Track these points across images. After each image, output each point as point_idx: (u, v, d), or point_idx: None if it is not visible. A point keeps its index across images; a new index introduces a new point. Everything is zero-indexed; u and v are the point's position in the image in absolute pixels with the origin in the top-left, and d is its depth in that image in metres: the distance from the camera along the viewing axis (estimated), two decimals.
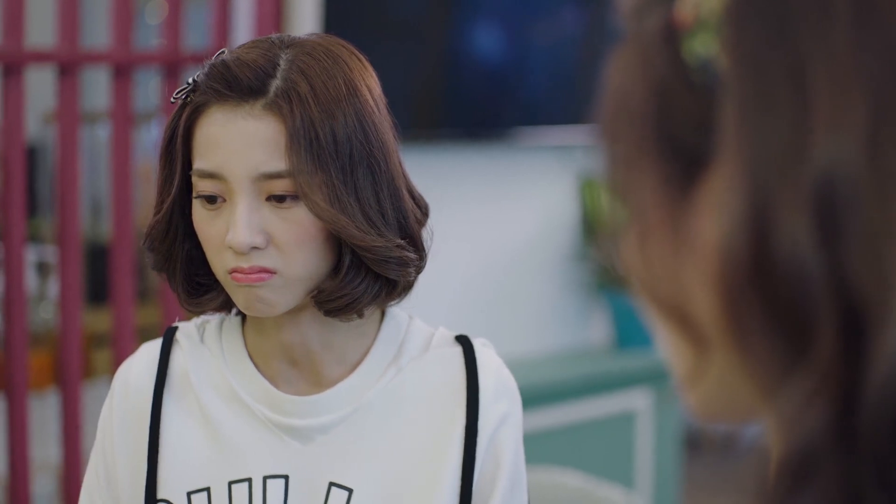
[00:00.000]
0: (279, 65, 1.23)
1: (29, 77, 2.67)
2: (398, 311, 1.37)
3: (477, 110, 3.57)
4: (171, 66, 2.85)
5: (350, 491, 1.29)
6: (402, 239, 1.27)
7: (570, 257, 3.82)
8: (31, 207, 4.30)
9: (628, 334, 3.82)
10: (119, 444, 1.34)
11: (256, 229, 1.22)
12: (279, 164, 1.21)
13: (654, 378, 3.74)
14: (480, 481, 1.31)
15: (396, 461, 1.31)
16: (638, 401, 3.73)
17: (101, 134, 5.21)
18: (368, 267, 1.25)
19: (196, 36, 3.39)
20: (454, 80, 3.53)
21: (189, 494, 1.31)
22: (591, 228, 3.77)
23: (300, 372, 1.33)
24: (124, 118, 2.80)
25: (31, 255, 4.09)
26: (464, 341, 1.36)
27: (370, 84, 1.28)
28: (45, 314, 4.34)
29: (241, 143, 1.21)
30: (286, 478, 1.31)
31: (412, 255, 1.27)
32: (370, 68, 1.30)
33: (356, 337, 1.33)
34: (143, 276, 3.81)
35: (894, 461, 0.50)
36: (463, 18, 3.50)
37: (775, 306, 0.51)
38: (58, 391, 2.82)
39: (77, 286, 2.75)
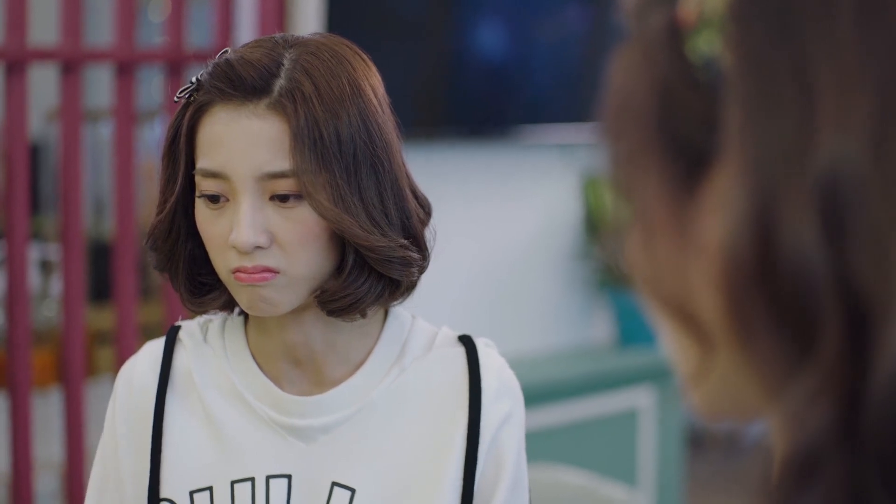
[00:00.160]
0: (283, 64, 1.23)
1: (32, 75, 2.67)
2: (401, 311, 1.37)
3: (480, 108, 3.57)
4: (174, 64, 2.85)
5: (353, 491, 1.29)
6: (405, 239, 1.27)
7: (574, 255, 3.82)
8: (34, 205, 4.30)
9: (631, 332, 3.82)
10: (123, 444, 1.34)
11: (260, 229, 1.21)
12: (283, 163, 1.21)
13: (657, 376, 3.73)
14: (482, 482, 1.31)
15: (399, 461, 1.31)
16: (641, 399, 3.73)
17: (103, 132, 5.21)
18: (372, 267, 1.25)
19: (199, 34, 3.38)
20: (457, 78, 3.53)
21: (192, 494, 1.31)
22: (595, 226, 3.77)
23: (303, 372, 1.33)
24: (127, 116, 2.80)
25: (34, 253, 4.10)
26: (466, 341, 1.36)
27: (374, 84, 1.28)
28: (48, 312, 4.35)
29: (244, 142, 1.21)
30: (289, 477, 1.30)
31: (415, 255, 1.27)
32: (374, 68, 1.30)
33: (359, 337, 1.33)
34: (146, 274, 3.81)
35: None
36: (466, 16, 3.50)
37: (780, 305, 0.51)
38: (61, 389, 2.82)
39: (80, 284, 2.75)
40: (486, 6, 3.55)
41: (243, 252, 1.21)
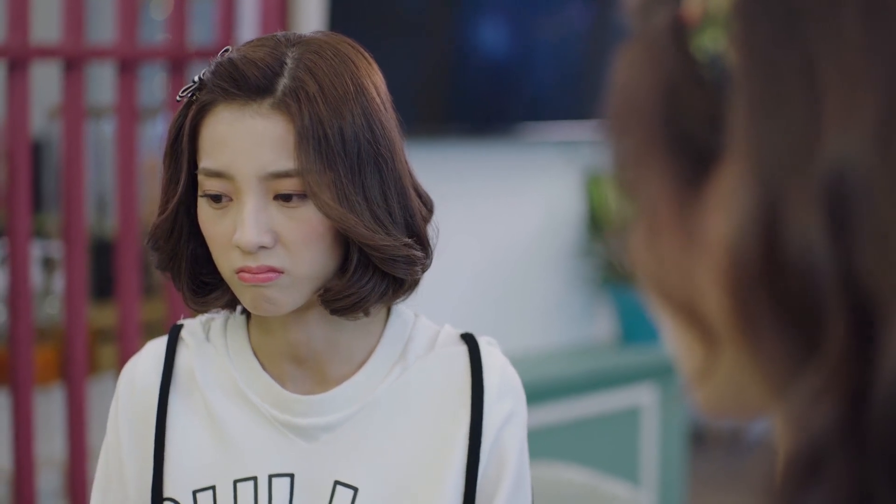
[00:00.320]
0: (286, 63, 1.22)
1: (34, 72, 2.67)
2: (404, 309, 1.37)
3: (482, 106, 3.57)
4: (177, 62, 2.85)
5: (355, 490, 1.29)
6: (409, 237, 1.26)
7: (576, 253, 3.82)
8: (37, 203, 4.30)
9: (634, 330, 3.82)
10: (126, 444, 1.34)
11: (264, 228, 1.21)
12: (287, 163, 1.21)
13: (660, 373, 3.73)
14: (484, 480, 1.31)
15: (401, 460, 1.31)
16: (643, 396, 3.73)
17: (106, 129, 5.21)
18: (376, 265, 1.25)
19: (201, 31, 3.38)
20: (459, 75, 3.53)
21: (195, 493, 1.31)
22: (597, 224, 3.76)
23: (306, 371, 1.33)
24: (130, 113, 2.80)
25: (36, 251, 4.10)
26: (469, 340, 1.36)
27: (376, 82, 1.28)
28: (50, 309, 4.35)
29: (248, 142, 1.21)
30: (291, 476, 1.30)
31: (419, 254, 1.27)
32: (375, 66, 1.30)
33: (362, 335, 1.33)
34: (149, 272, 3.81)
35: None
36: (468, 14, 3.50)
37: (785, 303, 0.51)
38: (63, 386, 2.82)
39: (82, 281, 2.75)
40: (488, 4, 3.55)
41: (247, 252, 1.21)
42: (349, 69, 1.25)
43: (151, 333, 1.83)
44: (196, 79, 1.25)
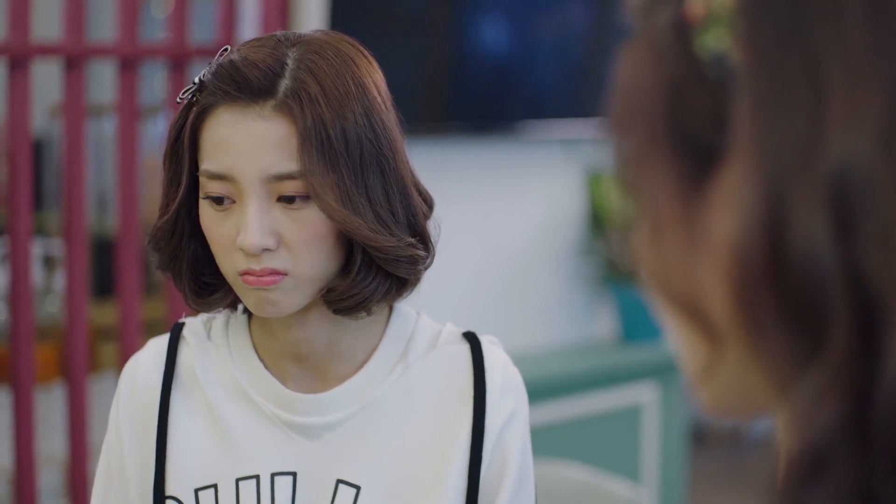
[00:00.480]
0: (287, 64, 1.22)
1: (35, 70, 2.67)
2: (406, 308, 1.37)
3: (483, 104, 3.56)
4: (178, 60, 2.85)
5: (358, 488, 1.29)
6: (411, 236, 1.26)
7: (577, 251, 3.82)
8: (37, 201, 4.31)
9: (634, 328, 3.82)
10: (127, 442, 1.34)
11: (268, 231, 1.21)
12: (290, 165, 1.20)
13: (661, 372, 3.73)
14: (487, 479, 1.31)
15: (404, 459, 1.30)
16: (644, 394, 3.73)
17: (107, 127, 5.21)
18: (379, 266, 1.25)
19: (202, 30, 3.38)
20: (460, 74, 3.53)
21: (197, 491, 1.31)
22: (598, 222, 3.76)
23: (307, 369, 1.33)
24: (130, 112, 2.79)
25: (37, 249, 4.10)
26: (471, 338, 1.36)
27: (377, 81, 1.27)
28: (51, 308, 4.35)
29: (251, 144, 1.20)
30: (294, 475, 1.30)
31: (422, 253, 1.27)
32: (376, 64, 1.30)
33: (364, 334, 1.33)
34: (150, 270, 3.81)
35: None
36: (469, 12, 3.50)
37: (790, 302, 0.51)
38: (64, 385, 2.82)
39: (83, 280, 2.75)
40: (489, 2, 3.55)
41: (251, 254, 1.21)
42: (350, 69, 1.24)
43: (152, 332, 1.83)
44: (196, 80, 1.25)
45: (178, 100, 1.26)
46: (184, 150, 1.25)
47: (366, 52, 1.29)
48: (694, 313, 0.57)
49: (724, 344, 0.57)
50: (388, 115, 1.27)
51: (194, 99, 1.25)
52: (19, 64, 2.61)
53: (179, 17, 2.85)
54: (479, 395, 1.32)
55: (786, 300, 0.51)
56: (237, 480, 1.31)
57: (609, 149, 0.60)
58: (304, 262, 1.22)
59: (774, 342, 0.52)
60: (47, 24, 3.28)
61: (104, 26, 4.26)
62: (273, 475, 1.30)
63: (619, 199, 0.60)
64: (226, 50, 1.26)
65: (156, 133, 5.19)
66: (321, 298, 1.27)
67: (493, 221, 3.65)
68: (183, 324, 1.39)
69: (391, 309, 1.35)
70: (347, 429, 1.31)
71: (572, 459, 2.97)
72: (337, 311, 1.27)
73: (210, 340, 1.37)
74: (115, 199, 2.95)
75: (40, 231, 4.55)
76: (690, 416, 4.34)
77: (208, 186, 1.23)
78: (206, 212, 1.24)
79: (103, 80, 4.55)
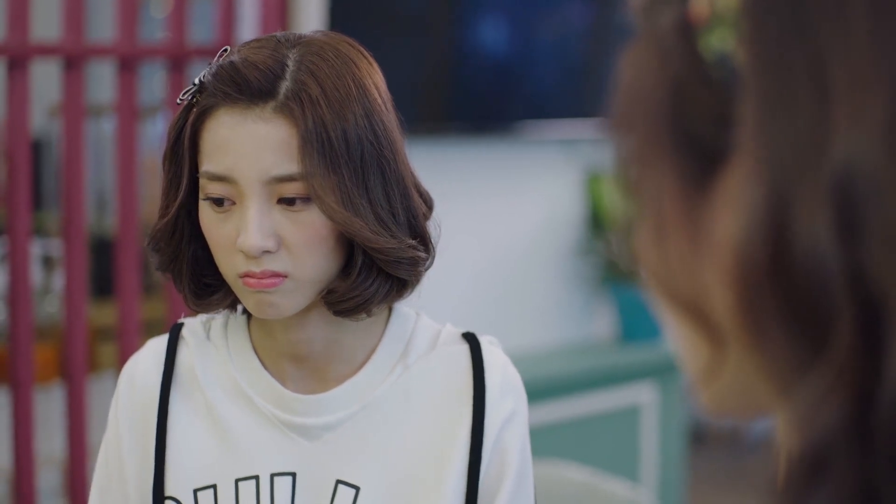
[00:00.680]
0: (287, 65, 1.21)
1: (34, 70, 2.67)
2: (405, 309, 1.37)
3: (483, 104, 3.57)
4: (177, 60, 2.85)
5: (357, 489, 1.29)
6: (412, 238, 1.26)
7: (576, 251, 3.82)
8: (36, 201, 4.30)
9: (634, 328, 3.82)
10: (126, 442, 1.34)
11: (268, 233, 1.21)
12: (291, 166, 1.20)
13: (660, 372, 3.74)
14: (486, 480, 1.31)
15: (403, 459, 1.30)
16: (643, 395, 3.73)
17: (106, 127, 5.21)
18: (379, 267, 1.25)
19: (201, 30, 3.38)
20: (460, 74, 3.53)
21: (196, 492, 1.31)
22: (597, 223, 3.76)
23: (307, 370, 1.33)
24: (129, 112, 2.79)
25: (36, 249, 4.10)
26: (470, 339, 1.36)
27: (377, 82, 1.27)
28: (50, 308, 4.35)
29: (251, 146, 1.20)
30: (293, 475, 1.30)
31: (423, 255, 1.27)
32: (376, 65, 1.29)
33: (363, 335, 1.33)
34: (149, 271, 3.81)
35: None
36: (469, 12, 3.50)
37: (793, 302, 0.51)
38: (63, 385, 2.82)
39: (82, 280, 2.75)
40: (489, 2, 3.55)
41: (251, 256, 1.21)
42: (350, 70, 1.24)
43: (151, 332, 1.83)
44: (196, 81, 1.24)
45: (178, 101, 1.25)
46: (184, 152, 1.25)
47: (366, 53, 1.29)
48: (696, 314, 0.57)
49: (726, 344, 0.57)
50: (389, 117, 1.26)
51: (194, 100, 1.24)
52: (18, 64, 2.61)
53: (178, 17, 2.85)
54: (478, 395, 1.32)
55: (789, 300, 0.51)
56: (236, 481, 1.30)
57: (612, 149, 0.59)
58: (304, 264, 1.22)
59: (777, 342, 0.52)
60: (46, 23, 3.28)
61: (103, 26, 4.26)
62: (272, 476, 1.30)
63: (620, 199, 0.60)
64: (226, 51, 1.26)
65: (155, 133, 5.19)
66: (321, 300, 1.27)
67: (493, 221, 3.65)
68: (182, 324, 1.39)
69: (390, 310, 1.35)
70: (347, 429, 1.31)
71: (571, 460, 2.97)
72: (337, 313, 1.27)
73: (209, 341, 1.37)
74: (115, 200, 2.95)
75: (39, 231, 4.55)
76: (690, 416, 4.34)
77: (208, 188, 1.23)
78: (206, 213, 1.24)
79: (102, 80, 4.54)
